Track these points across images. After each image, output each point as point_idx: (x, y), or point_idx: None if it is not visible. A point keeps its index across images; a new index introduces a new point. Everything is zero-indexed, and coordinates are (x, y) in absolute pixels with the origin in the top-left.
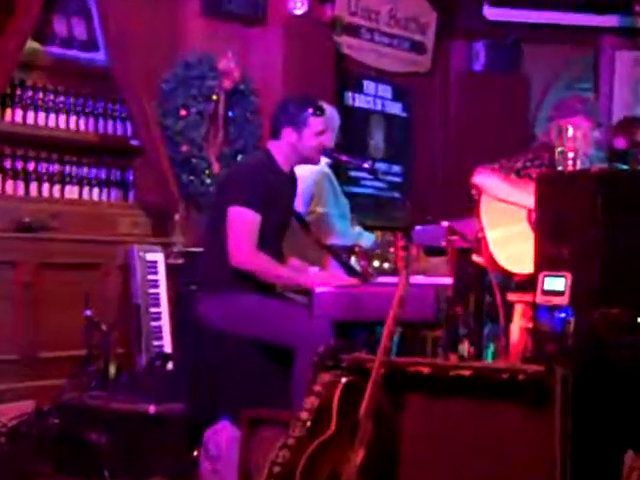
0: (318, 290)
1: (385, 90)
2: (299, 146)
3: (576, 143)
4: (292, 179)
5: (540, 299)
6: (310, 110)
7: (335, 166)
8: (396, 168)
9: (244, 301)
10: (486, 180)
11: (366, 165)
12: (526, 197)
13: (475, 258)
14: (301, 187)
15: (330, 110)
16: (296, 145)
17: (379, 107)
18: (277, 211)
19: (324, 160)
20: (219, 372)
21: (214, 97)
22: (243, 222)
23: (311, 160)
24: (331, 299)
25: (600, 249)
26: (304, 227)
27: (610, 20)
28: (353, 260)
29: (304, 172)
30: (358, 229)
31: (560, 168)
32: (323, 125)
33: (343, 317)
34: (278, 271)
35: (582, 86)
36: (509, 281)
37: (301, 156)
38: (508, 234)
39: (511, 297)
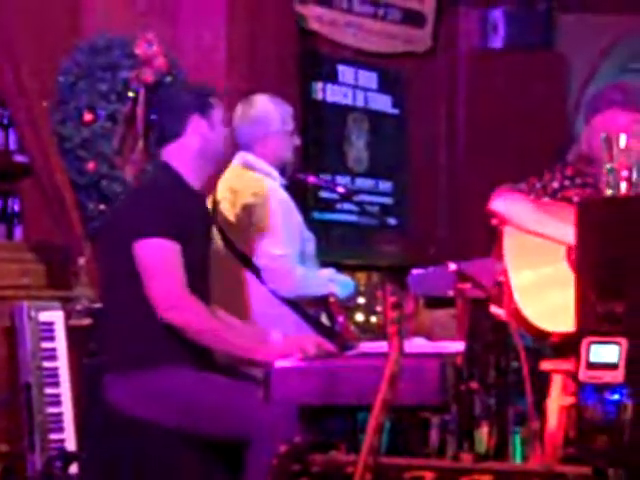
0: (277, 365)
1: (368, 78)
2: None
3: (631, 157)
4: (203, 198)
5: (585, 375)
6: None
7: (296, 185)
8: (384, 185)
9: (171, 380)
10: (510, 206)
11: (340, 189)
12: (566, 229)
13: (494, 310)
14: (246, 216)
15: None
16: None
17: (360, 102)
18: (194, 246)
19: (273, 179)
20: (142, 478)
21: (131, 94)
22: (161, 256)
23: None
24: (295, 377)
25: None
26: (253, 272)
27: None
28: (324, 318)
29: (247, 192)
30: (328, 273)
31: (611, 192)
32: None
33: (312, 402)
34: (229, 335)
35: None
36: (542, 343)
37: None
38: (539, 279)
39: (546, 365)
